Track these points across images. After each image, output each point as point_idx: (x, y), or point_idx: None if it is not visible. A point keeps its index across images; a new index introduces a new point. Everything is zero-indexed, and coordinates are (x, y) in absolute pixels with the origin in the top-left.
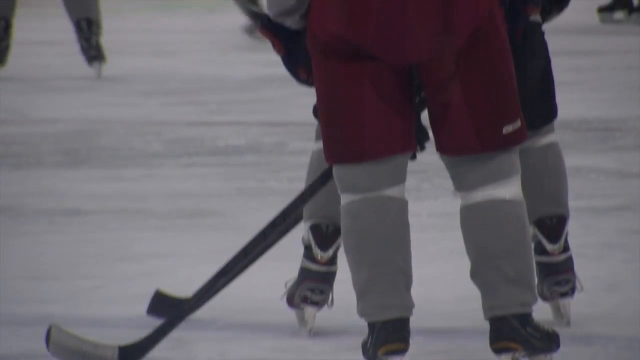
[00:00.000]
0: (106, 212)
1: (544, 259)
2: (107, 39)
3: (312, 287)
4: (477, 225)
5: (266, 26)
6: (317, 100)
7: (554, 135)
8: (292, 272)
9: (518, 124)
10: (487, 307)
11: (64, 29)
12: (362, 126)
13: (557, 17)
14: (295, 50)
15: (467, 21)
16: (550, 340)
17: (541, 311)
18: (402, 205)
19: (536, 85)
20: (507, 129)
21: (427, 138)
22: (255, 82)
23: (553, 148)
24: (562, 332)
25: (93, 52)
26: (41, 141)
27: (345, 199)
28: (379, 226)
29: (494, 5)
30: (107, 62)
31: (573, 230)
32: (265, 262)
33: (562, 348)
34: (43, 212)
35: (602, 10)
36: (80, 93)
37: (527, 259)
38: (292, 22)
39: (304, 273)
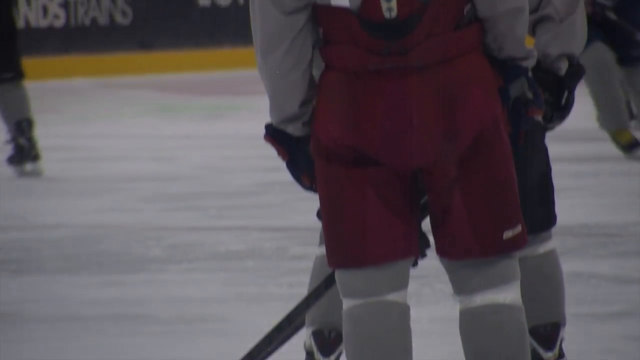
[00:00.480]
0: (106, 317)
1: None
2: (107, 144)
3: None
4: (476, 330)
5: (270, 133)
6: (320, 205)
7: (552, 243)
8: None
9: (519, 229)
10: None
11: (65, 135)
12: (364, 231)
13: (559, 125)
14: (298, 156)
15: (470, 127)
16: None
17: None
18: (403, 311)
19: (535, 190)
20: (508, 234)
21: (427, 245)
22: (255, 187)
23: (550, 256)
24: None
25: (34, 152)
26: (41, 247)
27: (347, 303)
28: (381, 332)
29: (497, 110)
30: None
31: (573, 337)
32: None
33: None
34: (43, 319)
35: None
36: (81, 198)
37: None
38: (294, 129)
39: None
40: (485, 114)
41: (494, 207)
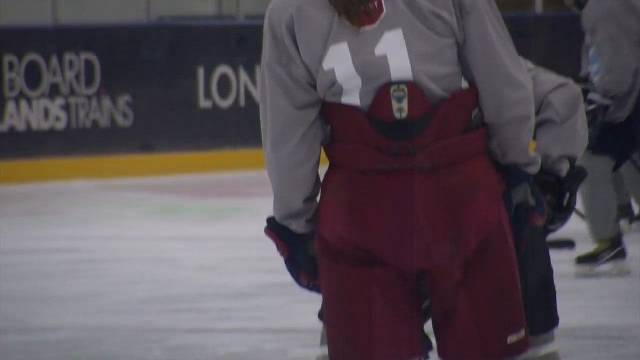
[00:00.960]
0: None
1: None
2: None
3: None
4: None
5: (271, 227)
6: (324, 304)
7: (554, 345)
8: None
9: (522, 334)
10: None
11: (66, 237)
12: (369, 331)
13: (560, 227)
14: (299, 254)
15: (475, 230)
16: None
17: None
18: None
19: (537, 291)
20: (512, 338)
21: (430, 347)
22: (256, 288)
23: (551, 358)
24: None
25: None
26: (42, 349)
27: None
28: None
29: (502, 215)
30: None
31: None
32: None
33: None
34: None
35: None
36: (81, 300)
37: None
38: (297, 226)
39: None
40: (490, 218)
41: (498, 312)
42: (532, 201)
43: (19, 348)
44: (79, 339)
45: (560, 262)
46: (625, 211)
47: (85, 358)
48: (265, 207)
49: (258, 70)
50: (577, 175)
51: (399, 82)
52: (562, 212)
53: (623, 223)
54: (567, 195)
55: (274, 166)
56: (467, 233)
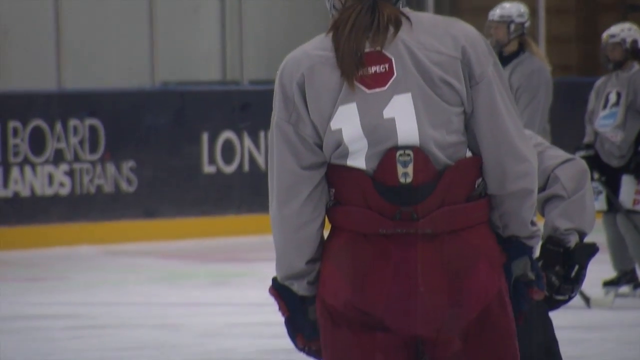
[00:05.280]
0: None
1: None
2: (111, 312)
3: None
4: None
5: (275, 287)
6: None
7: None
8: None
9: None
10: None
11: (69, 303)
12: None
13: (568, 301)
14: (298, 316)
15: (475, 300)
16: None
17: None
18: None
19: (541, 359)
20: None
21: None
22: (260, 354)
23: None
24: None
25: None
26: None
27: None
28: None
29: (502, 287)
30: None
31: None
32: None
33: None
34: None
35: (608, 284)
36: None
37: None
38: (299, 287)
39: None
40: (490, 288)
41: None
42: (532, 275)
43: None
44: None
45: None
46: (629, 277)
47: None
48: (270, 272)
49: (262, 135)
50: (587, 249)
51: (405, 147)
52: (569, 284)
53: (627, 289)
54: (576, 268)
55: (279, 225)
56: (468, 302)
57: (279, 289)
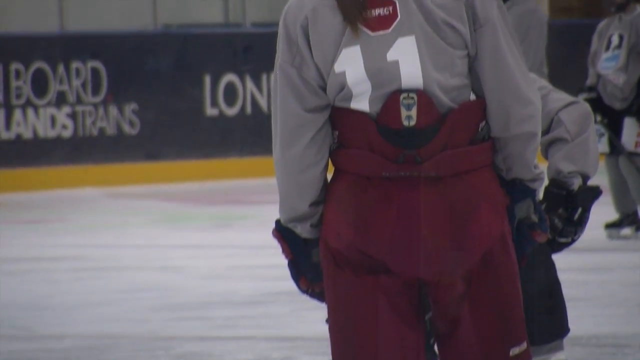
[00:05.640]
0: None
1: None
2: (113, 254)
3: None
4: None
5: (278, 228)
6: (329, 311)
7: (561, 354)
8: None
9: (524, 346)
10: None
11: (72, 245)
12: (375, 340)
13: (571, 243)
14: (301, 259)
15: (478, 243)
16: None
17: None
18: None
19: (540, 302)
20: (514, 351)
21: (435, 359)
22: (263, 296)
23: None
24: None
25: None
26: (48, 357)
27: None
28: None
29: (506, 229)
30: None
31: None
32: None
33: None
34: None
35: (610, 226)
36: (87, 308)
37: None
38: (302, 230)
39: None
40: (493, 231)
41: (501, 325)
42: (535, 217)
43: (25, 356)
44: (84, 347)
45: (568, 270)
46: (631, 219)
47: None
48: (272, 214)
49: (264, 78)
50: (590, 191)
51: (409, 90)
52: (572, 227)
53: (629, 231)
54: (580, 210)
55: (282, 168)
56: (471, 245)
57: (282, 232)
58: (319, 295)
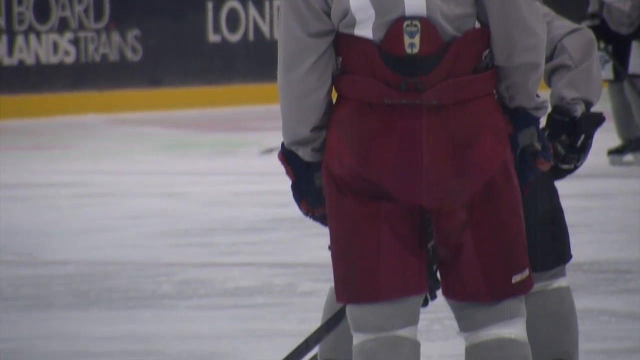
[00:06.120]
0: (116, 354)
1: None
2: (117, 180)
3: None
4: None
5: (282, 151)
6: (331, 237)
7: (563, 280)
8: None
9: (526, 273)
10: None
11: (75, 171)
12: (377, 267)
13: (574, 169)
14: (303, 182)
15: (480, 171)
16: None
17: None
18: (414, 346)
19: (546, 226)
20: (516, 278)
21: (438, 286)
22: (265, 223)
23: (556, 293)
24: None
25: None
26: (51, 283)
27: (357, 338)
28: None
29: (508, 158)
30: None
31: None
32: None
33: None
34: (53, 355)
35: (612, 152)
36: (91, 234)
37: None
38: (304, 154)
39: None
40: (495, 159)
41: (503, 252)
42: (538, 145)
43: (28, 282)
44: (88, 273)
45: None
46: (634, 145)
47: (94, 292)
48: (275, 141)
49: (267, 4)
50: (593, 118)
51: (412, 18)
52: (575, 153)
53: (632, 157)
54: (582, 137)
55: (284, 91)
56: (472, 173)
57: (286, 154)
58: (319, 219)
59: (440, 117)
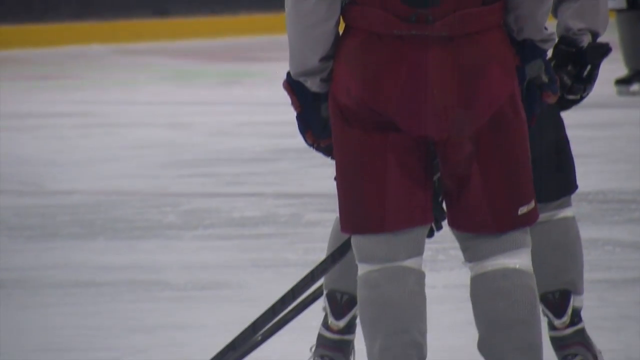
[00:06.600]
0: (121, 283)
1: (552, 333)
2: (122, 111)
3: (323, 354)
4: (487, 294)
5: (288, 80)
6: (337, 167)
7: (569, 210)
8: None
9: (532, 204)
10: None
11: (81, 101)
12: (383, 197)
13: (580, 99)
14: (310, 113)
15: (487, 102)
16: None
17: None
18: (419, 277)
19: (551, 157)
20: (522, 210)
21: (443, 217)
22: (270, 153)
23: (562, 223)
24: None
25: None
26: (57, 213)
27: (362, 268)
28: (397, 296)
29: (515, 90)
30: None
31: (588, 303)
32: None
33: None
34: (58, 284)
35: (619, 82)
36: (96, 165)
37: (536, 330)
38: (312, 84)
39: (319, 339)
40: (503, 91)
41: (510, 184)
42: (545, 78)
43: (34, 211)
44: (93, 203)
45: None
46: None
47: (100, 222)
48: (280, 71)
49: None
50: (600, 48)
51: None
52: (581, 84)
53: (638, 87)
54: (589, 67)
55: (292, 21)
56: (480, 104)
57: (292, 84)
58: (324, 150)
59: (449, 49)
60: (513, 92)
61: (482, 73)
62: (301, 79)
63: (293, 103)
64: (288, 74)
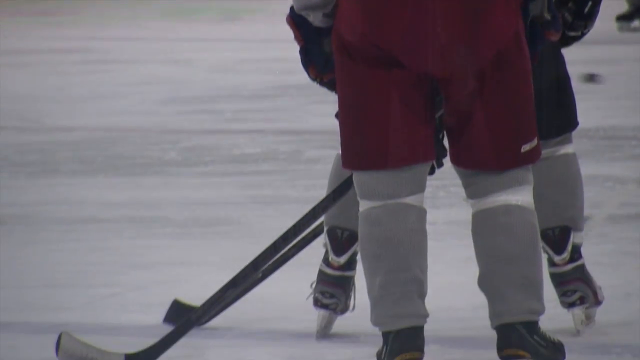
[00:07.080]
0: (122, 220)
1: (552, 269)
2: (122, 47)
3: (323, 290)
4: (487, 229)
5: (291, 15)
6: (339, 103)
7: (570, 147)
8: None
9: (534, 142)
10: (494, 313)
11: (81, 37)
12: (386, 133)
13: (580, 37)
14: (313, 47)
15: (491, 40)
16: (557, 350)
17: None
18: (420, 214)
19: (552, 93)
20: (525, 147)
21: (445, 154)
22: (271, 90)
23: (562, 159)
24: (577, 340)
25: None
26: (57, 149)
27: (364, 205)
28: (398, 233)
29: (519, 27)
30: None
31: (588, 239)
32: (290, 267)
33: (578, 356)
34: (59, 221)
35: (620, 18)
36: (96, 101)
37: (537, 266)
38: (315, 19)
39: (320, 275)
40: (507, 29)
41: (513, 121)
42: (548, 16)
43: (35, 148)
44: (94, 139)
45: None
46: None
47: (100, 159)
48: (281, 8)
49: None
50: None
51: None
52: (582, 20)
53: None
54: (589, 4)
55: None
56: (483, 42)
57: (295, 18)
58: (327, 85)
59: None
60: (518, 30)
61: (486, 11)
62: (304, 14)
63: (296, 37)
64: (291, 8)
